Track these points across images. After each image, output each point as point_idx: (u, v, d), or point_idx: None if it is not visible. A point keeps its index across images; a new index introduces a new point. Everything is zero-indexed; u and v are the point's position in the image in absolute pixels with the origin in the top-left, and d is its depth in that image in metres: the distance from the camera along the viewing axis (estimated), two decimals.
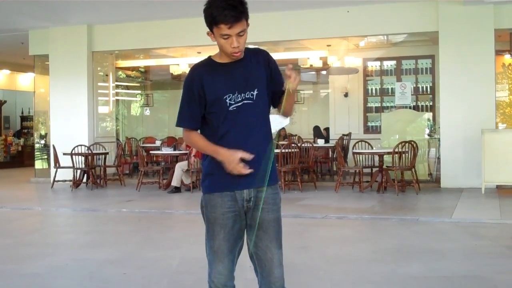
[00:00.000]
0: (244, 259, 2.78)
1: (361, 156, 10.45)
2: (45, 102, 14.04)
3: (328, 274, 4.81)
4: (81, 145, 11.51)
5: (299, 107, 15.72)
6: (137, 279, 4.78)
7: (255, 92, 2.64)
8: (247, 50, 2.71)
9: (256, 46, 2.84)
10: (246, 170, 2.58)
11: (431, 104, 13.75)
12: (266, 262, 2.68)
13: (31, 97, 15.58)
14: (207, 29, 2.61)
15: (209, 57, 2.72)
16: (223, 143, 2.62)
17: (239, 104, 2.61)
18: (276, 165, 2.83)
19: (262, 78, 2.69)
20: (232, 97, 2.61)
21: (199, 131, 2.75)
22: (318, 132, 14.20)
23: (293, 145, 10.74)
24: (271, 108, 2.77)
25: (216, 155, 2.62)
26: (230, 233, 2.67)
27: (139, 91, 17.39)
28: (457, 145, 10.46)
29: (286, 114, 2.76)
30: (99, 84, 13.38)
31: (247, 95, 2.63)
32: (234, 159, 2.57)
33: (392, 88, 13.87)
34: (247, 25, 2.60)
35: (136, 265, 5.23)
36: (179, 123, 2.74)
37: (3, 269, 5.17)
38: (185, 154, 10.84)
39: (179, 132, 15.83)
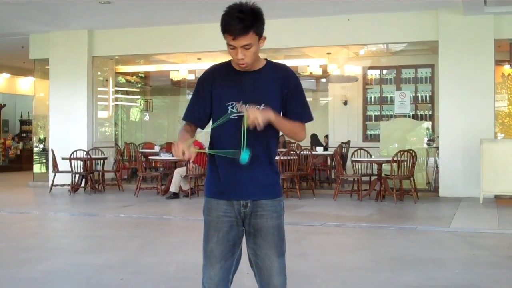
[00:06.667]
0: (241, 265, 2.76)
1: (359, 164, 10.45)
2: (45, 106, 14.04)
3: (326, 282, 4.81)
4: (79, 150, 11.49)
5: None
6: (135, 284, 4.78)
7: (261, 107, 2.55)
8: (271, 63, 2.67)
9: (284, 63, 2.76)
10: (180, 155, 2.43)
11: (430, 113, 13.78)
12: (265, 270, 2.63)
13: (30, 101, 15.58)
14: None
15: (229, 61, 2.68)
16: (219, 147, 2.61)
17: (241, 114, 2.51)
18: (280, 177, 2.72)
19: (273, 94, 2.61)
20: (236, 106, 2.57)
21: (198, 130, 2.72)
22: (315, 140, 14.19)
23: (292, 152, 10.74)
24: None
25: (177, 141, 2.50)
26: (224, 238, 2.62)
27: (139, 97, 17.39)
28: (456, 155, 10.46)
29: (290, 137, 2.77)
30: (99, 89, 13.39)
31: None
32: (178, 147, 2.44)
33: (391, 97, 13.90)
34: (260, 38, 2.54)
35: (133, 270, 5.22)
36: (183, 117, 2.73)
37: (0, 273, 5.16)
38: (184, 160, 10.81)
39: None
